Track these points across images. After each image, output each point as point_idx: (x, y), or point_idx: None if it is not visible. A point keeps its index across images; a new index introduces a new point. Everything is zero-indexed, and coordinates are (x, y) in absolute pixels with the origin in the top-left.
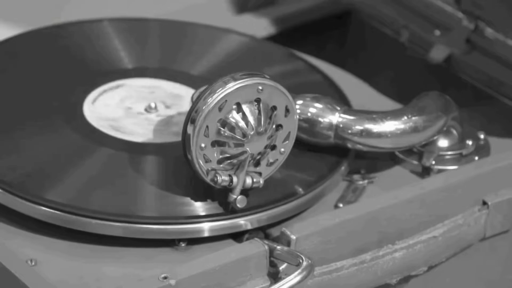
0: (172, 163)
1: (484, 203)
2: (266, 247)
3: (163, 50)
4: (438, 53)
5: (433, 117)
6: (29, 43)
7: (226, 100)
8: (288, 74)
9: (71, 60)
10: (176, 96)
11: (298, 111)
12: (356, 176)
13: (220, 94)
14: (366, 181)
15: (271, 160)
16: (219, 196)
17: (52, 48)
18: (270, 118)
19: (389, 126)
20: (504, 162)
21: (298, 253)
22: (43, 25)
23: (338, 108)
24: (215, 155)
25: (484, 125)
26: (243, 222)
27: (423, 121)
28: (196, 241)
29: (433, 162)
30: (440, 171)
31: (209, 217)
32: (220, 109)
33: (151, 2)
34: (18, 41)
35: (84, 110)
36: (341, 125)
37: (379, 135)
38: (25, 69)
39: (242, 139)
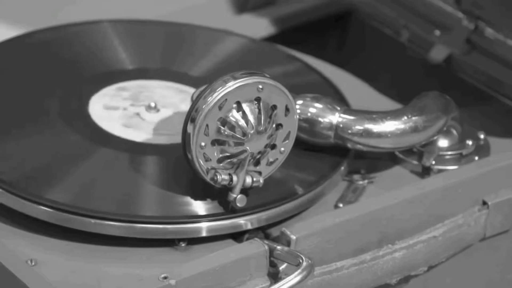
0: (172, 163)
1: (484, 203)
2: (266, 247)
3: (163, 52)
4: (438, 53)
5: (433, 117)
6: (29, 43)
7: (226, 99)
8: (287, 75)
9: (71, 61)
10: (177, 97)
11: (298, 111)
12: (356, 176)
13: (220, 93)
14: (366, 181)
15: (271, 159)
16: (219, 196)
17: (52, 49)
18: (270, 117)
19: (389, 126)
20: (504, 162)
21: (298, 253)
22: (43, 25)
23: (338, 108)
24: (215, 154)
25: (484, 125)
26: (243, 222)
27: (423, 121)
28: (196, 241)
29: (433, 162)
30: (440, 171)
31: (209, 217)
32: (220, 108)
33: (151, 3)
34: (19, 41)
35: (84, 110)
36: (341, 125)
37: (379, 135)
38: (25, 70)
39: (242, 138)
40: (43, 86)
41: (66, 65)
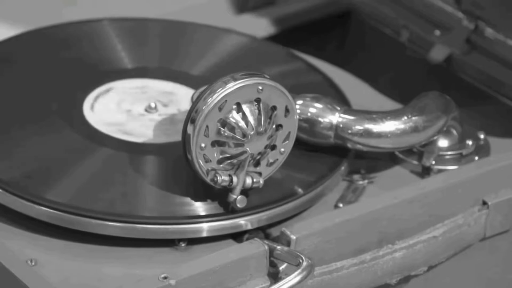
0: (172, 163)
1: (484, 203)
2: (266, 247)
3: (163, 50)
4: (438, 53)
5: (433, 117)
6: (28, 43)
7: (226, 100)
8: (288, 74)
9: (71, 60)
10: (170, 94)
11: (298, 111)
12: (356, 176)
13: (220, 94)
14: (366, 181)
15: (271, 160)
16: (219, 196)
17: (52, 48)
18: (270, 118)
19: (389, 126)
20: (504, 162)
21: (298, 253)
22: (43, 25)
23: (338, 108)
24: (215, 155)
25: (484, 125)
26: (243, 222)
27: (423, 121)
28: (196, 241)
29: (433, 162)
30: (440, 171)
31: (209, 217)
32: (220, 109)
33: (151, 2)
34: (18, 41)
35: (84, 110)
36: (341, 125)
37: (379, 135)
38: (25, 69)
39: (242, 139)
40: (43, 85)
41: (66, 64)
